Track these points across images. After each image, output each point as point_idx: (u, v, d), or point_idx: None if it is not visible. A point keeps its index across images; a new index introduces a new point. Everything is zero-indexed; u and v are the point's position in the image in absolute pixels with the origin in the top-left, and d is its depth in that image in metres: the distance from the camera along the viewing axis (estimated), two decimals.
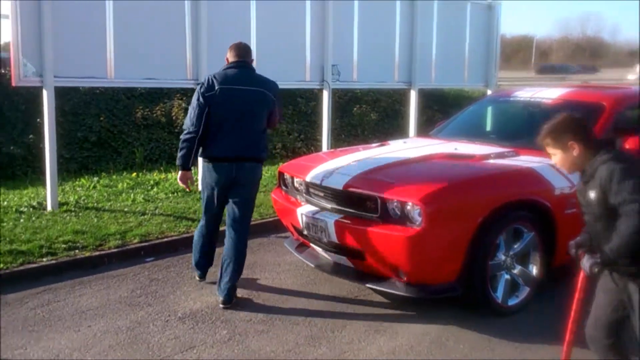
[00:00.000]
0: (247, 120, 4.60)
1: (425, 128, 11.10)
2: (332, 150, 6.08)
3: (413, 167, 4.70)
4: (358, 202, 4.45)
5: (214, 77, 4.66)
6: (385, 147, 5.45)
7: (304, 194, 5.01)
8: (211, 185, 4.70)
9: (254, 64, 4.92)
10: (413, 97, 10.54)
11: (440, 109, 14.69)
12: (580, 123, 3.03)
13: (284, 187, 5.39)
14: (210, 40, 7.80)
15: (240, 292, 4.84)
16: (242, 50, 4.82)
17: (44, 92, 6.80)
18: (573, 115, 3.09)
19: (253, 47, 8.19)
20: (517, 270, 4.45)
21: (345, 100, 13.33)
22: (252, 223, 5.60)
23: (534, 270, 4.51)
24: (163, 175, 9.09)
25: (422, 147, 5.19)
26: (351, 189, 4.48)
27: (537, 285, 4.53)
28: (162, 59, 7.56)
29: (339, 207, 4.57)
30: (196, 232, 5.06)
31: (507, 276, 4.41)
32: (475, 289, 4.25)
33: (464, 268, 4.21)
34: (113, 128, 10.40)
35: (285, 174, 5.35)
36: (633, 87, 5.84)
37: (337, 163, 4.93)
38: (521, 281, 4.47)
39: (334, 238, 4.50)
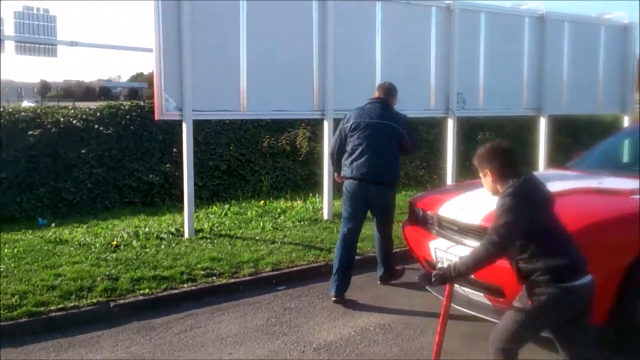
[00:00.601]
0: (375, 148, 5.39)
1: (555, 156, 10.67)
2: (463, 182, 5.96)
3: (557, 201, 4.49)
4: None
5: (352, 111, 5.61)
6: None
7: (436, 227, 4.95)
8: (347, 197, 5.54)
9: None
10: (542, 124, 10.16)
11: (571, 134, 14.02)
12: (499, 152, 3.32)
13: (414, 219, 5.36)
14: (337, 73, 7.98)
15: (369, 326, 4.84)
16: (382, 89, 5.78)
17: (184, 125, 7.22)
18: (497, 143, 3.42)
19: (377, 78, 8.40)
20: None
21: (468, 127, 13.06)
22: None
23: None
24: (289, 204, 9.32)
25: (564, 181, 4.97)
26: (486, 224, 4.36)
27: None
28: (290, 91, 7.82)
29: (474, 242, 4.46)
30: (337, 245, 5.53)
31: None
32: (626, 330, 3.99)
33: (613, 310, 3.96)
34: (241, 157, 10.83)
35: (416, 206, 5.32)
36: None
37: (471, 197, 4.83)
38: None
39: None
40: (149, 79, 67.10)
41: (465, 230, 4.56)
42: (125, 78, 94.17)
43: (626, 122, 10.88)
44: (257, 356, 4.40)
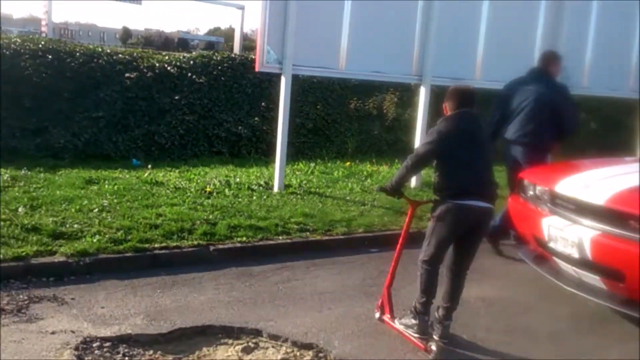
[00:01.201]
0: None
1: None
2: (580, 160, 5.71)
3: None
4: (618, 219, 4.11)
5: None
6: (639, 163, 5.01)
7: (548, 204, 4.76)
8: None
9: None
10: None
11: None
12: (454, 92, 3.99)
13: (522, 194, 5.17)
14: (438, 39, 7.73)
15: (469, 298, 4.74)
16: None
17: (282, 79, 7.18)
18: (456, 86, 4.13)
19: (481, 49, 8.10)
20: None
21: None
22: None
23: None
24: (375, 168, 9.22)
25: None
26: (613, 205, 4.15)
27: None
28: (390, 54, 7.65)
29: (596, 224, 4.26)
30: None
31: None
32: None
33: None
34: (327, 117, 10.73)
35: (526, 180, 5.12)
36: None
37: (593, 176, 4.61)
38: None
39: (589, 255, 4.21)
40: (226, 34, 67.72)
41: (586, 210, 4.36)
42: (203, 31, 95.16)
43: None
44: (358, 315, 4.36)
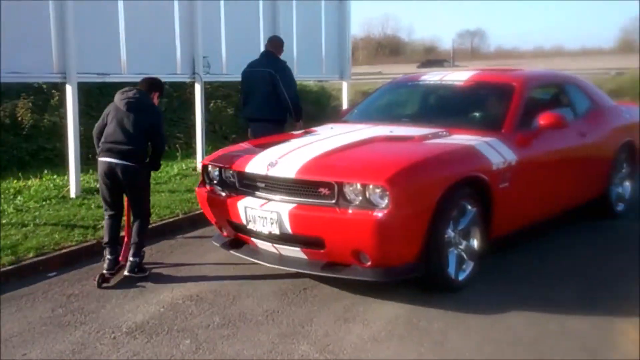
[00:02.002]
0: None
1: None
2: (254, 140, 5.81)
3: (361, 150, 4.62)
4: (311, 189, 4.28)
5: None
6: (316, 134, 5.32)
7: (239, 187, 4.73)
8: None
9: None
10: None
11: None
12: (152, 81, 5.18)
13: (208, 181, 5.04)
14: (78, 32, 7.08)
15: (177, 300, 4.45)
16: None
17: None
18: (149, 77, 5.22)
19: (122, 39, 7.71)
20: (462, 245, 4.57)
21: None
22: (152, 226, 5.63)
23: (475, 244, 4.66)
24: (22, 183, 8.08)
25: (355, 132, 5.13)
26: (304, 176, 4.30)
27: (479, 259, 4.69)
28: (25, 51, 6.71)
29: (290, 197, 4.36)
30: None
31: (456, 252, 4.51)
32: (435, 266, 4.30)
33: (424, 247, 4.23)
34: None
35: (210, 167, 5.00)
36: (536, 69, 6.32)
37: (277, 152, 4.70)
38: (466, 256, 4.59)
39: (289, 229, 4.29)
40: None
41: (279, 185, 4.43)
42: None
43: (345, 88, 11.85)
44: (61, 352, 3.69)
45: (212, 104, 12.98)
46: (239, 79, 7.93)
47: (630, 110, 6.87)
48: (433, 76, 6.02)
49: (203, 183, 5.09)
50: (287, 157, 4.54)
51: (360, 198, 4.12)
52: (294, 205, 4.31)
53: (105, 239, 4.90)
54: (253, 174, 4.58)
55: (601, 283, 4.66)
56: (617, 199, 6.48)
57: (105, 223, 4.96)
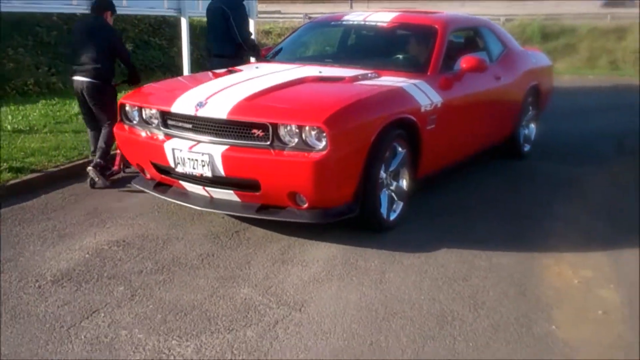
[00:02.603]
0: None
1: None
2: (184, 76, 5.53)
3: (294, 90, 4.50)
4: (244, 130, 4.15)
5: None
6: (242, 73, 5.11)
7: (163, 128, 4.50)
8: None
9: None
10: (184, 26, 10.03)
11: (192, 41, 14.23)
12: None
13: (127, 122, 4.76)
14: None
15: (102, 246, 4.24)
16: None
17: None
18: None
19: None
20: (393, 186, 4.64)
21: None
22: (62, 168, 5.80)
23: (405, 184, 4.75)
24: None
25: (284, 72, 4.98)
26: (236, 117, 4.14)
27: (408, 198, 4.79)
28: None
29: (222, 139, 4.21)
30: None
31: (387, 192, 4.57)
32: (369, 207, 4.34)
33: (359, 188, 4.25)
34: None
35: (128, 105, 4.72)
36: (455, 13, 6.38)
37: (205, 91, 4.49)
38: (396, 197, 4.68)
39: (221, 171, 4.15)
40: None
41: (211, 126, 4.25)
42: None
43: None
44: None
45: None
46: (139, 12, 7.70)
47: (537, 55, 7.17)
48: (356, 16, 5.93)
49: (122, 123, 4.80)
50: (216, 96, 4.35)
51: (297, 140, 4.04)
52: (227, 147, 4.16)
53: (92, 149, 5.77)
54: (179, 114, 4.36)
55: (518, 217, 4.93)
56: (524, 140, 6.81)
57: (89, 135, 5.81)
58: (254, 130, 4.12)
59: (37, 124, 7.49)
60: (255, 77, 4.85)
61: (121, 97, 4.86)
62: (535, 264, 4.08)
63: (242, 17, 6.47)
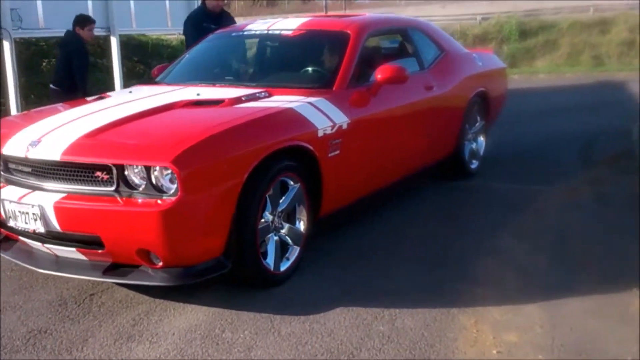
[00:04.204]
0: None
1: (132, 82, 9.88)
2: (28, 111, 4.72)
3: (153, 120, 3.68)
4: (84, 173, 3.34)
5: None
6: (107, 99, 4.31)
7: (4, 172, 3.70)
8: None
9: None
10: (114, 44, 9.27)
11: (141, 59, 13.48)
12: None
13: None
14: None
15: None
16: None
17: None
18: None
19: None
20: (285, 229, 3.82)
21: (28, 55, 11.24)
22: None
23: (302, 225, 3.94)
24: None
25: (155, 96, 4.17)
26: (73, 158, 3.33)
27: (306, 242, 3.97)
28: None
29: (58, 185, 3.40)
30: None
31: (276, 238, 3.76)
32: (245, 260, 3.52)
33: (231, 237, 3.43)
34: None
35: None
36: (376, 14, 5.56)
37: (44, 127, 3.68)
38: (290, 241, 3.86)
39: (56, 226, 3.34)
40: None
41: (44, 170, 3.44)
42: None
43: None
44: None
45: (44, 63, 11.41)
46: (62, 34, 6.89)
47: (484, 58, 6.34)
48: (260, 25, 5.10)
49: None
50: (54, 133, 3.54)
51: (146, 183, 3.24)
52: (63, 195, 3.35)
53: None
54: (11, 156, 3.56)
55: (445, 259, 4.10)
56: (470, 156, 5.99)
57: None
58: (97, 173, 3.31)
59: None
60: (117, 105, 4.03)
61: None
62: (449, 327, 3.25)
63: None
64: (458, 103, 5.59)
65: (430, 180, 5.71)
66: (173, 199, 3.14)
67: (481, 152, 6.17)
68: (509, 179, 5.90)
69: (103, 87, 11.55)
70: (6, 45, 7.47)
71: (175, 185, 3.16)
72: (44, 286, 3.83)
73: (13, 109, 7.59)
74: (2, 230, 3.81)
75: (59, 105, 4.47)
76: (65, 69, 6.46)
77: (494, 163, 6.34)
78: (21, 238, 3.70)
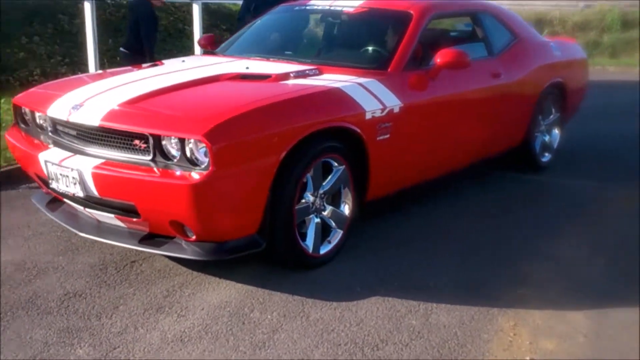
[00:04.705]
0: None
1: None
2: (92, 73, 4.78)
3: (194, 92, 3.64)
4: (122, 141, 3.33)
5: None
6: (159, 67, 4.31)
7: (50, 134, 3.75)
8: None
9: None
10: (196, 12, 9.41)
11: (229, 28, 13.60)
12: None
13: (23, 126, 4.05)
14: None
15: None
16: None
17: None
18: None
19: None
20: (327, 211, 3.70)
21: (118, 17, 11.56)
22: None
23: (346, 209, 3.81)
24: None
25: (206, 67, 4.13)
26: (111, 124, 3.33)
27: (350, 226, 3.84)
28: None
29: (97, 150, 3.42)
30: None
31: (317, 220, 3.64)
32: (280, 240, 3.43)
33: (266, 216, 3.35)
34: None
35: (22, 107, 3.99)
36: None
37: (89, 91, 3.70)
38: (333, 224, 3.73)
39: (94, 191, 3.36)
40: None
41: (83, 135, 3.47)
42: None
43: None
44: None
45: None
46: None
47: (564, 47, 5.93)
48: (324, 1, 4.95)
49: (16, 127, 4.10)
50: (97, 98, 3.55)
51: (181, 155, 3.19)
52: (102, 161, 3.36)
53: None
54: (54, 118, 3.60)
55: (492, 255, 3.87)
56: (542, 148, 5.64)
57: None
58: (135, 142, 3.30)
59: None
60: (165, 73, 4.01)
61: (15, 97, 4.13)
62: (485, 328, 3.05)
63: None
64: (529, 93, 5.26)
65: (499, 170, 5.43)
66: (205, 172, 3.08)
67: (555, 145, 5.80)
68: (581, 176, 5.52)
69: (188, 53, 11.76)
70: (87, 6, 7.56)
71: (208, 159, 3.09)
72: (89, 250, 3.88)
73: (92, 71, 7.78)
74: (50, 191, 3.88)
75: (109, 71, 4.51)
76: (134, 33, 6.44)
77: (570, 158, 5.96)
78: (66, 200, 3.75)
